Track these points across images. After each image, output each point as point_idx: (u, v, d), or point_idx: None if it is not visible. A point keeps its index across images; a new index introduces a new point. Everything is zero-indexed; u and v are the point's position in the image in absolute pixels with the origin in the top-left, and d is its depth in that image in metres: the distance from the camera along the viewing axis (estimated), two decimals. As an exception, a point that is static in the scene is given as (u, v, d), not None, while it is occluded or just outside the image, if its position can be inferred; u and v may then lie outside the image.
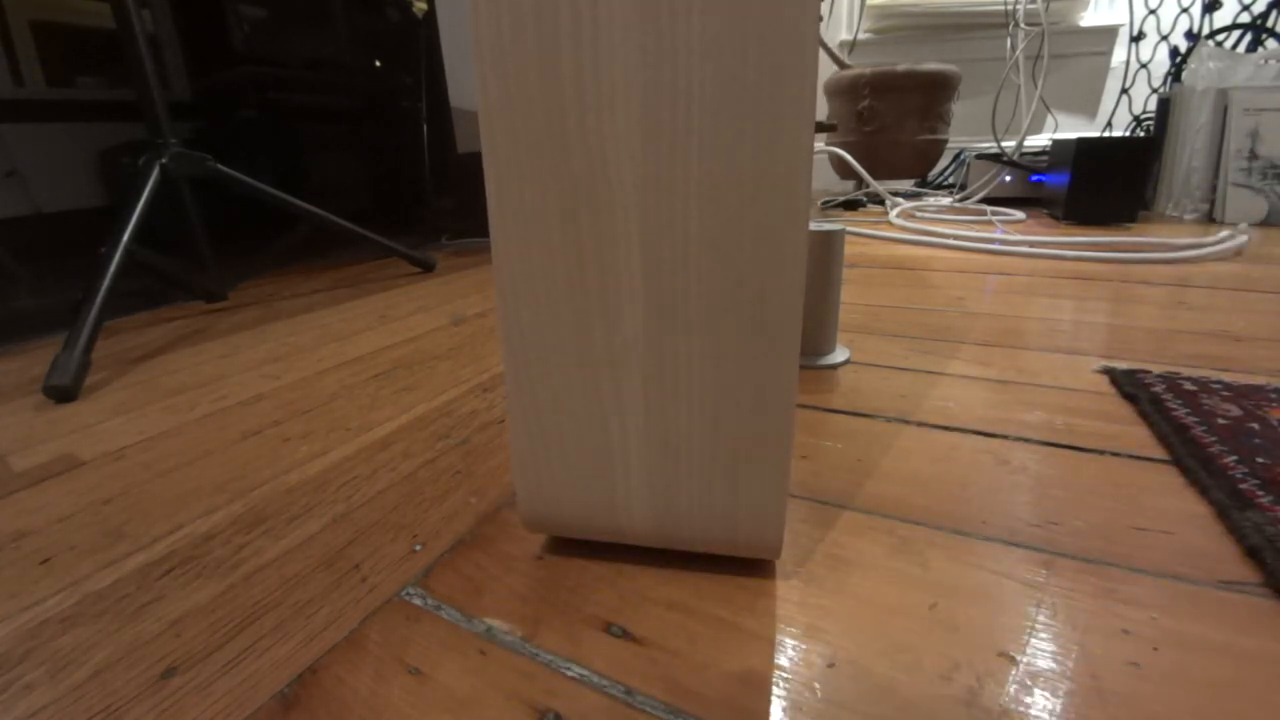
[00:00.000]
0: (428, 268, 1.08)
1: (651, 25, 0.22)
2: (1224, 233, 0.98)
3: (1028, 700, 0.22)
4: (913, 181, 1.90)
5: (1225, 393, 0.44)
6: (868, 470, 0.37)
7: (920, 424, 0.43)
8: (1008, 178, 1.46)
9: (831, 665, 0.24)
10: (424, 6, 1.47)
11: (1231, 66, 1.23)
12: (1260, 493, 0.32)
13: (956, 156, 1.81)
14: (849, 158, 1.47)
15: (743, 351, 0.25)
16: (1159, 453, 0.38)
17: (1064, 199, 1.22)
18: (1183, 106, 1.29)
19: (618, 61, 0.23)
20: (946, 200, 1.52)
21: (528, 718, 0.22)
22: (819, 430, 0.43)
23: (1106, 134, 1.66)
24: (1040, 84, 1.47)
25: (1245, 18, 1.38)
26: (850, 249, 1.10)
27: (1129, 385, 0.46)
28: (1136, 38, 1.60)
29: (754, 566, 0.30)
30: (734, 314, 0.25)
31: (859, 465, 0.38)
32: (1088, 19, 1.82)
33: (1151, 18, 1.58)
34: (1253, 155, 1.18)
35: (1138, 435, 0.40)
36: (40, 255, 1.15)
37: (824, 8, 1.98)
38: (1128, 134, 1.59)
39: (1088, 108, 1.87)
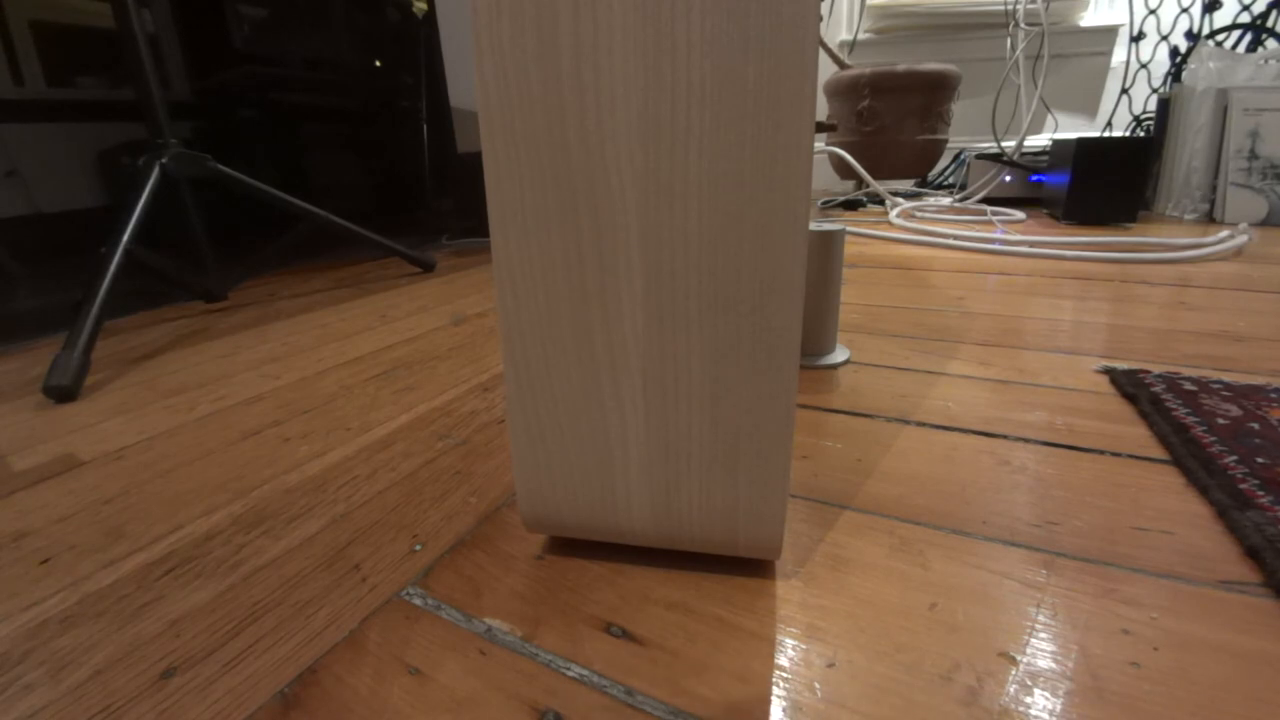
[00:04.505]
0: (428, 268, 1.08)
1: (651, 25, 0.22)
2: (1224, 233, 0.98)
3: (1028, 700, 0.22)
4: (913, 181, 1.90)
5: (1225, 393, 0.44)
6: (868, 470, 0.37)
7: (920, 424, 0.43)
8: (1008, 178, 1.46)
9: (831, 665, 0.24)
10: (424, 6, 1.46)
11: (1231, 66, 1.23)
12: (1260, 493, 0.32)
13: (956, 156, 1.81)
14: (849, 158, 1.47)
15: (743, 351, 0.25)
16: (1159, 453, 0.38)
17: (1064, 199, 1.22)
18: (1183, 106, 1.29)
19: (618, 61, 0.23)
20: (946, 200, 1.52)
21: (528, 718, 0.22)
22: (819, 430, 0.43)
23: (1106, 134, 1.66)
24: (1040, 84, 1.47)
25: (1245, 18, 1.38)
26: (850, 249, 1.11)
27: (1129, 385, 0.46)
28: (1136, 38, 1.60)
29: (754, 566, 0.30)
30: (734, 314, 0.25)
31: (859, 465, 0.38)
32: (1088, 19, 1.82)
33: (1151, 18, 1.58)
34: (1253, 155, 1.18)
35: (1138, 435, 0.40)
36: (40, 255, 1.15)
37: (824, 8, 1.98)
38: (1128, 134, 1.59)
39: (1088, 108, 1.87)
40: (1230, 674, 0.23)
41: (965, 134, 1.91)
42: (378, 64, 1.56)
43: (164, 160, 0.77)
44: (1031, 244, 0.99)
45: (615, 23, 0.22)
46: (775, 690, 0.23)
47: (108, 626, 0.28)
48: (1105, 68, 1.82)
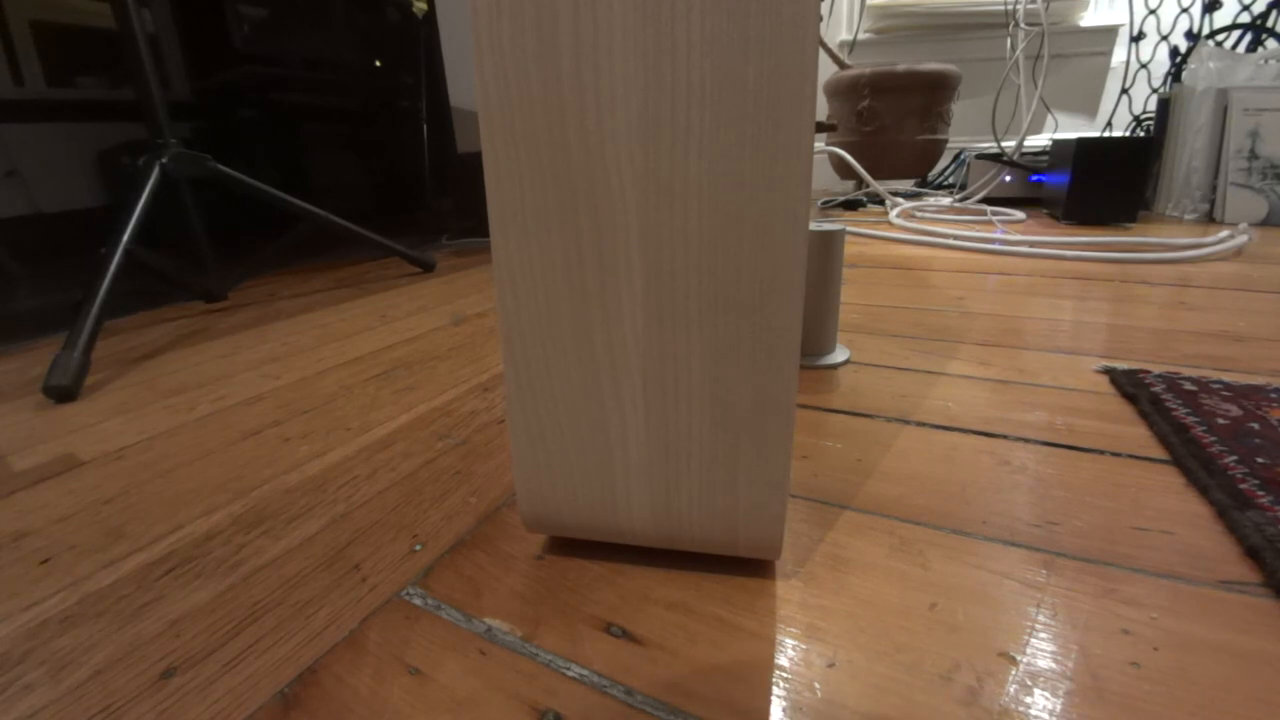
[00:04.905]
0: (428, 268, 1.08)
1: (651, 25, 0.22)
2: (1224, 233, 0.98)
3: (1028, 700, 0.22)
4: (913, 181, 1.90)
5: (1225, 393, 0.44)
6: (868, 470, 0.37)
7: (920, 424, 0.43)
8: (1008, 178, 1.46)
9: (831, 665, 0.24)
10: (424, 6, 1.46)
11: (1231, 66, 1.23)
12: (1260, 493, 0.32)
13: (956, 156, 1.81)
14: (849, 158, 1.47)
15: (742, 351, 0.25)
16: (1159, 453, 0.38)
17: (1064, 199, 1.22)
18: (1183, 106, 1.29)
19: (618, 61, 0.23)
20: (946, 200, 1.52)
21: (528, 718, 0.22)
22: (819, 430, 0.43)
23: (1106, 134, 1.66)
24: (1040, 84, 1.47)
25: (1245, 18, 1.38)
26: (850, 249, 1.11)
27: (1129, 385, 0.46)
28: (1136, 38, 1.60)
29: (754, 566, 0.30)
30: (734, 314, 0.25)
31: (859, 465, 0.38)
32: (1088, 19, 1.82)
33: (1151, 18, 1.58)
34: (1253, 155, 1.18)
35: (1138, 435, 0.40)
36: (40, 255, 1.15)
37: (824, 8, 1.98)
38: (1128, 134, 1.59)
39: (1088, 108, 1.87)
40: (1230, 674, 0.23)
41: (965, 134, 1.91)
42: (378, 64, 1.56)
43: (164, 160, 0.77)
44: (1031, 244, 0.99)
45: (615, 23, 0.22)
46: (775, 690, 0.23)
47: (108, 626, 0.28)
48: (1105, 68, 1.82)
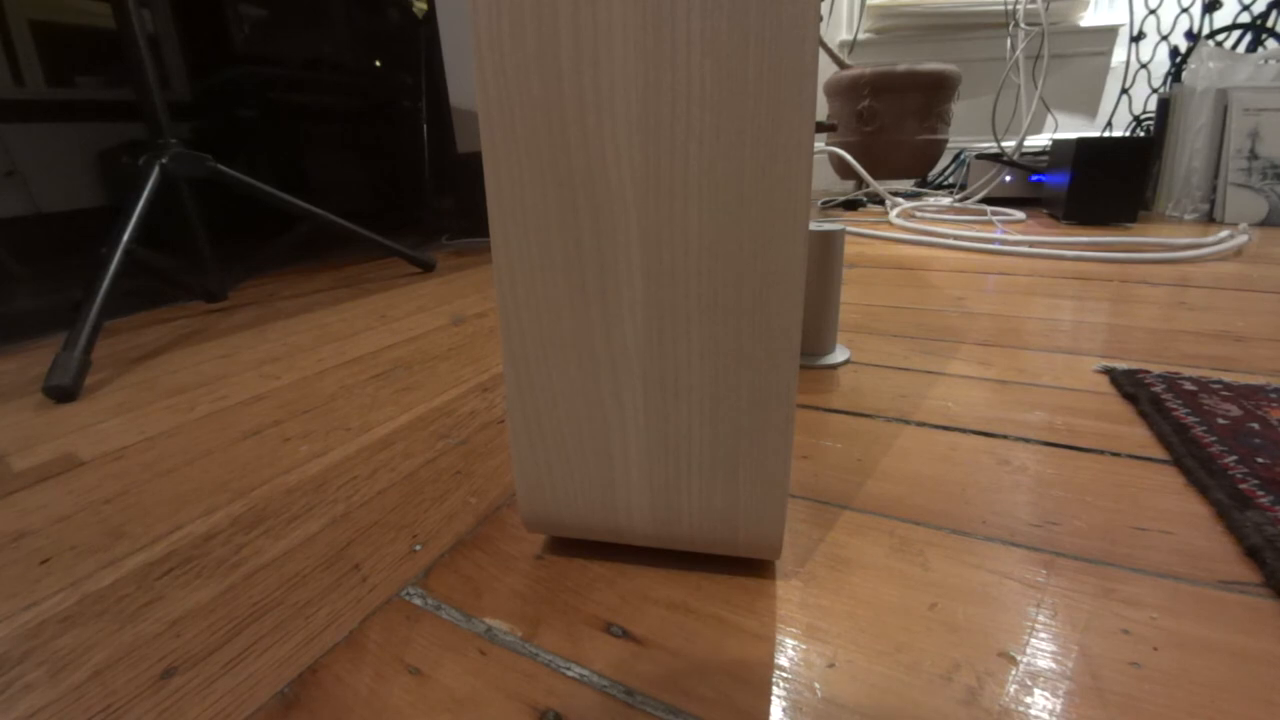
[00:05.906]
0: (428, 268, 1.08)
1: (651, 25, 0.22)
2: (1224, 233, 0.98)
3: (1028, 700, 0.22)
4: (913, 181, 1.90)
5: (1225, 392, 0.44)
6: (868, 470, 0.37)
7: (920, 424, 0.43)
8: (1008, 178, 1.46)
9: (831, 665, 0.24)
10: (424, 6, 1.46)
11: (1231, 66, 1.23)
12: (1260, 493, 0.32)
13: (956, 156, 1.81)
14: (849, 158, 1.47)
15: (743, 351, 0.25)
16: (1159, 453, 0.38)
17: (1064, 199, 1.22)
18: (1183, 106, 1.29)
19: (618, 61, 0.23)
20: (946, 200, 1.52)
21: (528, 718, 0.22)
22: (819, 430, 0.43)
23: (1106, 134, 1.66)
24: (1040, 84, 1.47)
25: (1245, 18, 1.38)
26: (850, 249, 1.11)
27: (1129, 385, 0.46)
28: (1136, 38, 1.60)
29: (754, 566, 0.30)
30: (734, 314, 0.25)
31: (859, 465, 0.38)
32: (1088, 19, 1.82)
33: (1151, 18, 1.58)
34: (1253, 155, 1.18)
35: (1138, 435, 0.40)
36: (40, 255, 1.15)
37: (824, 8, 1.98)
38: (1128, 134, 1.58)
39: (1088, 108, 1.87)
40: (1230, 674, 0.23)
41: (965, 134, 1.91)
42: (378, 64, 1.56)
43: (164, 160, 0.77)
44: (1031, 244, 0.99)
45: (615, 22, 0.22)
46: (775, 690, 0.23)
47: (108, 626, 0.28)
48: (1105, 68, 1.82)
